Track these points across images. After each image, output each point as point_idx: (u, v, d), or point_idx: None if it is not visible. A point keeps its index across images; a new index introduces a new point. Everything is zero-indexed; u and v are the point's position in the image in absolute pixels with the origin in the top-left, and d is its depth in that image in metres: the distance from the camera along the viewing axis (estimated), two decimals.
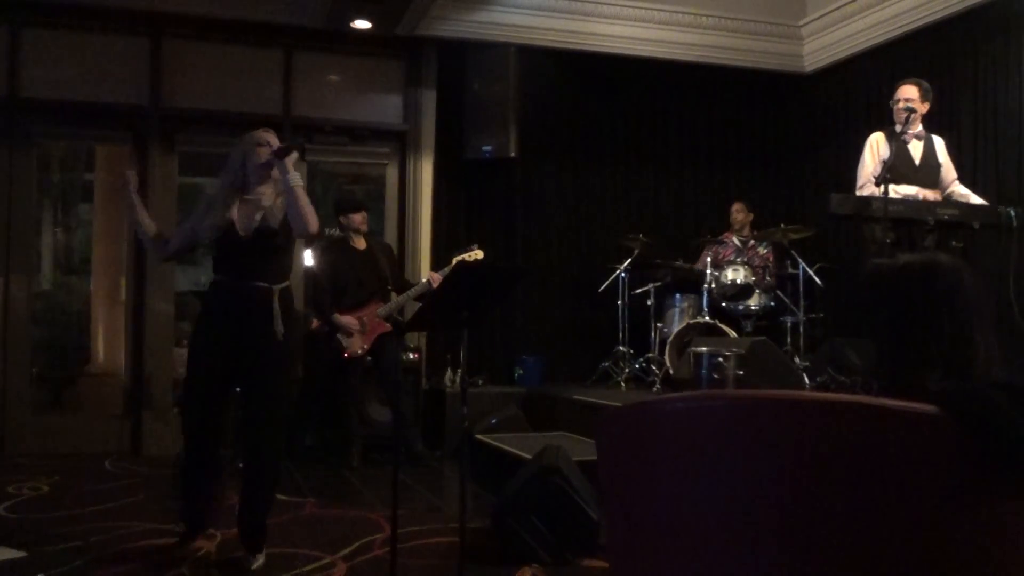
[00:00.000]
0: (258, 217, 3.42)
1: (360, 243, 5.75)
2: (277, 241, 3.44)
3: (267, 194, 3.46)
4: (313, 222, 3.38)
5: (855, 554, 1.29)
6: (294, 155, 3.40)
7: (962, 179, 5.12)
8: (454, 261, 5.22)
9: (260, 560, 3.43)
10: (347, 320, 5.52)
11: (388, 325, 5.64)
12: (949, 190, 4.95)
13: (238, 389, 3.58)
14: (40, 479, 5.08)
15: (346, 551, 3.62)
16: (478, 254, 5.51)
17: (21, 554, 2.61)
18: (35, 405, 6.27)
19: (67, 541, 3.71)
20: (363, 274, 5.65)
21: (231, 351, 3.40)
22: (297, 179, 3.37)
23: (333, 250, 5.76)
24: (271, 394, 3.47)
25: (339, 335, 5.54)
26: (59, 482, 5.03)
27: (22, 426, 5.99)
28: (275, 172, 3.43)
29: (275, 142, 3.49)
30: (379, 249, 5.87)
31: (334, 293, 5.59)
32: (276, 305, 3.41)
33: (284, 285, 3.51)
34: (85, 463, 5.61)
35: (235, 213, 3.42)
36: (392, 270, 5.85)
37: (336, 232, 5.94)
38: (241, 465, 3.62)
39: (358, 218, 5.72)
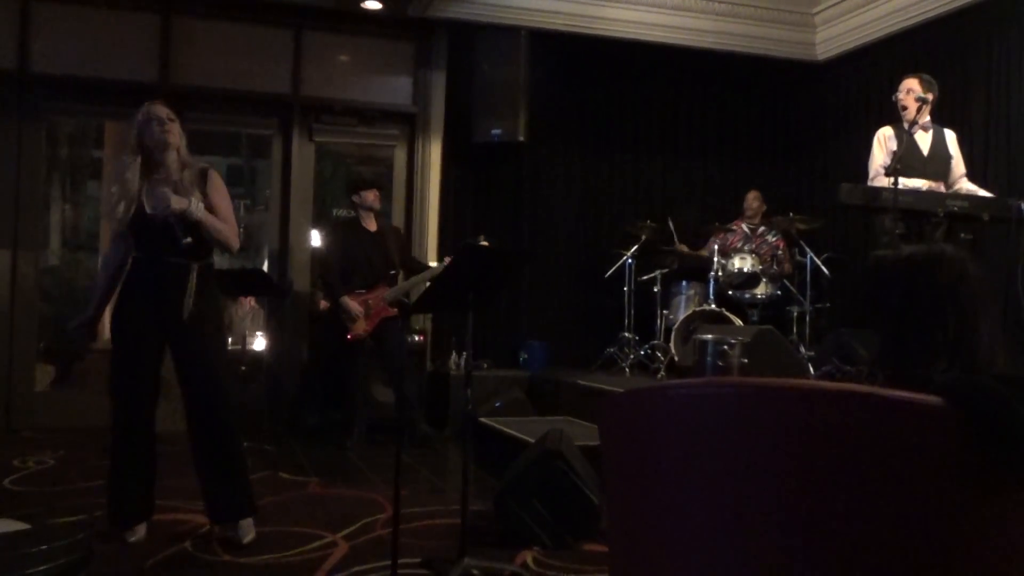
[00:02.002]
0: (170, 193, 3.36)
1: (371, 224, 5.71)
2: (190, 219, 3.35)
3: (173, 167, 3.42)
4: (234, 243, 3.47)
5: (858, 543, 1.29)
6: (186, 199, 3.35)
7: (973, 171, 5.07)
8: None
9: (251, 535, 3.41)
10: (352, 305, 5.51)
11: (393, 310, 5.64)
12: (956, 186, 4.90)
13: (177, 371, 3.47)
14: (46, 453, 5.12)
15: (348, 530, 3.64)
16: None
17: (25, 526, 2.65)
18: (42, 380, 6.30)
19: (71, 514, 3.75)
20: (374, 256, 5.63)
21: (156, 329, 3.37)
22: (199, 210, 3.34)
23: (344, 230, 5.74)
24: (206, 371, 3.40)
25: (344, 317, 5.54)
26: (64, 456, 5.07)
27: (29, 400, 6.04)
28: (175, 141, 3.44)
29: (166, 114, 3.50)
30: (389, 231, 5.85)
31: (343, 274, 5.59)
32: (193, 282, 3.36)
33: (207, 262, 3.47)
34: (90, 438, 5.63)
35: (143, 195, 3.34)
36: (401, 253, 5.84)
37: (344, 212, 5.89)
38: (192, 448, 3.45)
39: (371, 196, 5.67)
